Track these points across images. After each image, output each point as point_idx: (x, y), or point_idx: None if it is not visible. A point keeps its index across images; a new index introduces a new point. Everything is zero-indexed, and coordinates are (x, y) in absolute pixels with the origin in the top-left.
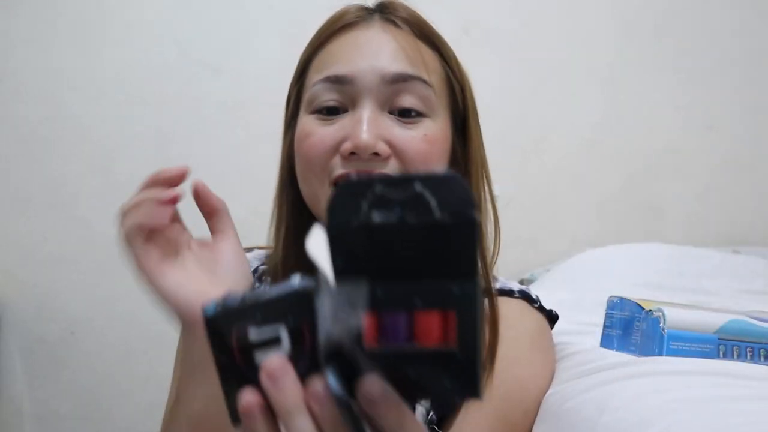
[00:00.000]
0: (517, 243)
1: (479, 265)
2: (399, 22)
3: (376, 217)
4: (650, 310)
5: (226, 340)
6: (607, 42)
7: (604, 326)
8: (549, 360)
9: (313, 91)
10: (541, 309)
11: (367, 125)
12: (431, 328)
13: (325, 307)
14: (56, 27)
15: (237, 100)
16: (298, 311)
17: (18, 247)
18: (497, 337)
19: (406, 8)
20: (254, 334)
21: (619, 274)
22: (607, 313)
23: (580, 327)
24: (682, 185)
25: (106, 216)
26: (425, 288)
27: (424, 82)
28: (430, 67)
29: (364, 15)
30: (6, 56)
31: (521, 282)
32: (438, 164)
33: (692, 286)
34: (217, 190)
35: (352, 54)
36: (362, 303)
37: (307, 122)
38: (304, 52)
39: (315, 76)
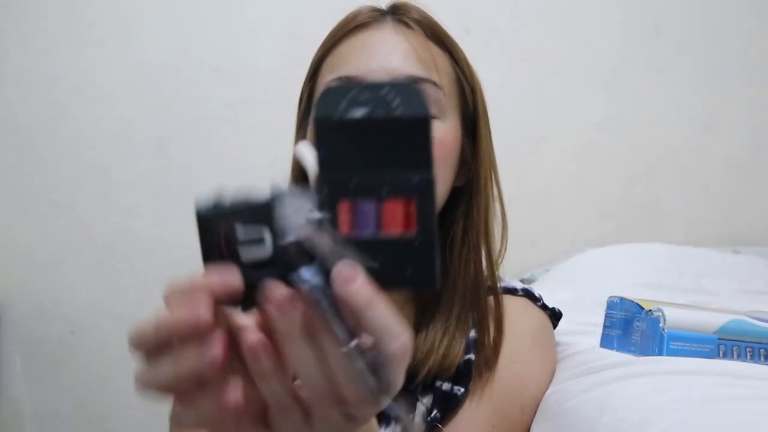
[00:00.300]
0: (517, 243)
1: (433, 159)
2: (411, 24)
3: (351, 113)
4: (650, 310)
5: (215, 236)
6: (608, 42)
7: (604, 326)
8: (550, 358)
9: None
10: (544, 307)
11: None
12: (396, 216)
13: (291, 207)
14: (56, 27)
15: (238, 101)
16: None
17: (18, 247)
18: (502, 336)
19: (419, 10)
20: (241, 232)
21: (619, 274)
22: (607, 313)
23: (580, 327)
24: (682, 185)
25: (105, 216)
26: (391, 179)
27: (435, 84)
28: (441, 69)
29: (377, 16)
30: (5, 56)
31: (522, 282)
32: (446, 166)
33: (692, 286)
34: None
35: (364, 55)
36: (336, 193)
37: None
38: (317, 52)
39: (327, 76)
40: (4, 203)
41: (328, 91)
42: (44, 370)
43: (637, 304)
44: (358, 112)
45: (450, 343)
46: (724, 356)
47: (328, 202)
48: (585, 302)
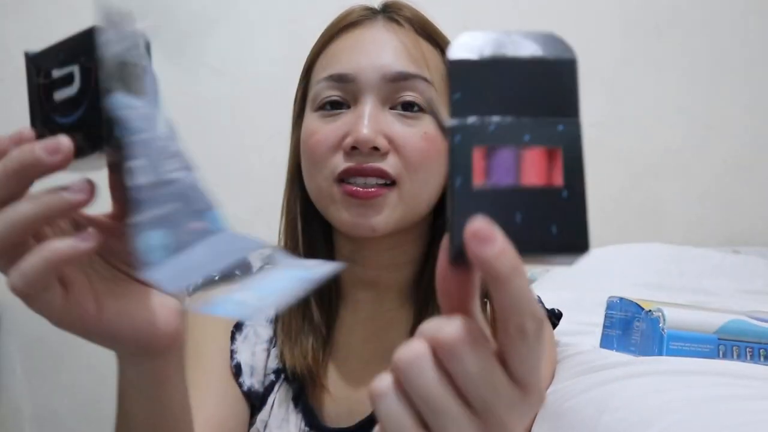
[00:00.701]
0: None
1: (580, 108)
2: (402, 21)
3: (491, 49)
4: (650, 311)
5: (37, 79)
6: (608, 42)
7: (604, 326)
8: (550, 358)
9: (317, 89)
10: (543, 308)
11: (368, 120)
12: (539, 166)
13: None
14: (56, 27)
15: (237, 100)
16: (89, 51)
17: None
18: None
19: (410, 7)
20: (56, 73)
21: (619, 274)
22: (606, 314)
23: (580, 327)
24: (682, 185)
25: None
26: (534, 125)
27: (426, 80)
28: (432, 65)
29: (368, 15)
30: (5, 56)
31: None
32: (436, 162)
33: (692, 286)
34: (218, 190)
35: (355, 53)
36: (471, 140)
37: (312, 120)
38: (311, 51)
39: (319, 75)
40: None
41: (465, 36)
42: (44, 370)
43: (637, 305)
44: (497, 49)
45: None
46: (724, 356)
47: (461, 150)
48: (585, 302)
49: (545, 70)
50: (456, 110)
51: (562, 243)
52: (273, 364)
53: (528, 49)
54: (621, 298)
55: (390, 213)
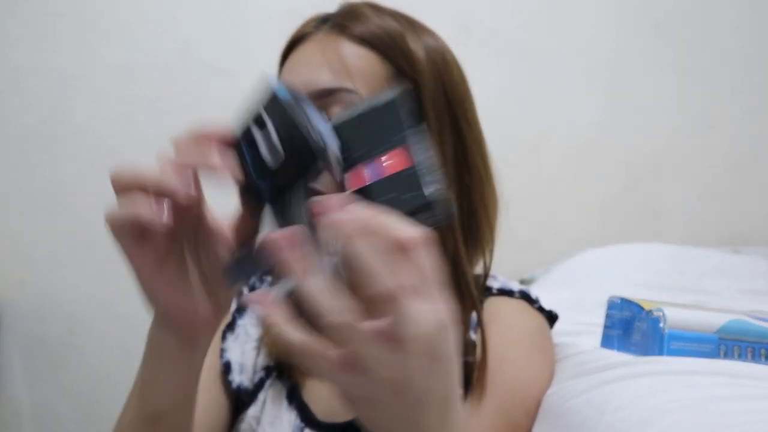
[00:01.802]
0: (517, 243)
1: (411, 122)
2: (341, 30)
3: (346, 113)
4: (650, 310)
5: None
6: (608, 42)
7: (605, 326)
8: (549, 359)
9: None
10: (541, 309)
11: None
12: (395, 160)
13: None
14: (56, 26)
15: (238, 100)
16: (271, 103)
17: (18, 247)
18: (486, 337)
19: (356, 11)
20: (255, 133)
21: (619, 274)
22: (607, 314)
23: (580, 327)
24: (682, 185)
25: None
26: (384, 142)
27: (348, 91)
28: (364, 72)
29: (313, 27)
30: (5, 56)
31: (521, 282)
32: None
33: (692, 287)
34: (218, 190)
35: (291, 72)
36: (348, 168)
37: None
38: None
39: None
40: (4, 203)
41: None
42: (44, 370)
43: (638, 304)
44: (347, 114)
45: None
46: (725, 356)
47: (342, 179)
48: (585, 302)
49: (382, 112)
50: (340, 159)
51: (411, 199)
52: (263, 361)
53: (367, 102)
54: (622, 298)
55: None
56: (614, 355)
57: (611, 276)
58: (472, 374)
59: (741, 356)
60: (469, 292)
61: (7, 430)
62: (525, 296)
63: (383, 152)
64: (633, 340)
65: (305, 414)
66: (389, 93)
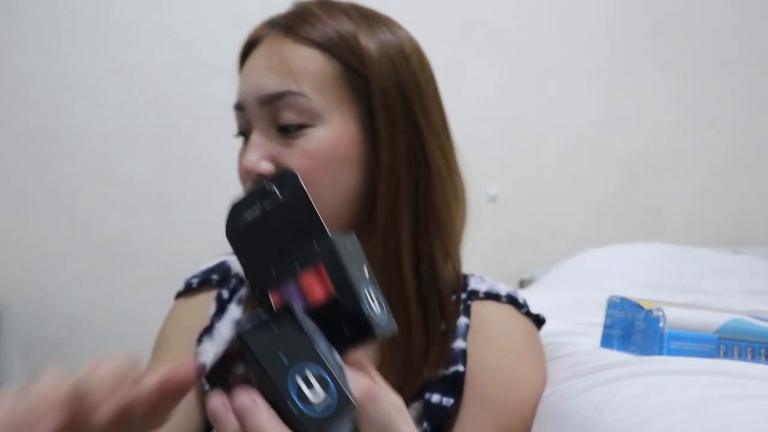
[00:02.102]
0: (517, 243)
1: (324, 224)
2: (286, 31)
3: (248, 216)
4: (650, 310)
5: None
6: (607, 42)
7: (605, 326)
8: (541, 366)
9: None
10: (528, 314)
11: (250, 149)
12: (314, 286)
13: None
14: (57, 27)
15: None
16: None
17: (18, 247)
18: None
19: (300, 10)
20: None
21: (619, 274)
22: (607, 313)
23: (580, 327)
24: (682, 185)
25: (106, 216)
26: (298, 254)
27: (296, 94)
28: (310, 73)
29: (263, 32)
30: (6, 56)
31: (521, 283)
32: (326, 175)
33: (692, 286)
34: (217, 189)
35: (243, 80)
36: (264, 289)
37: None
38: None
39: None
40: (4, 203)
41: (231, 206)
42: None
43: (638, 304)
44: (255, 212)
45: (410, 354)
46: (725, 356)
47: (261, 299)
48: (585, 302)
49: (286, 210)
50: (247, 271)
51: (354, 337)
52: None
53: (273, 197)
54: (622, 298)
55: None
56: (614, 355)
57: (611, 276)
58: (463, 383)
59: (741, 356)
60: (442, 302)
61: None
62: (512, 300)
63: (302, 266)
64: (633, 339)
65: None
66: (293, 181)
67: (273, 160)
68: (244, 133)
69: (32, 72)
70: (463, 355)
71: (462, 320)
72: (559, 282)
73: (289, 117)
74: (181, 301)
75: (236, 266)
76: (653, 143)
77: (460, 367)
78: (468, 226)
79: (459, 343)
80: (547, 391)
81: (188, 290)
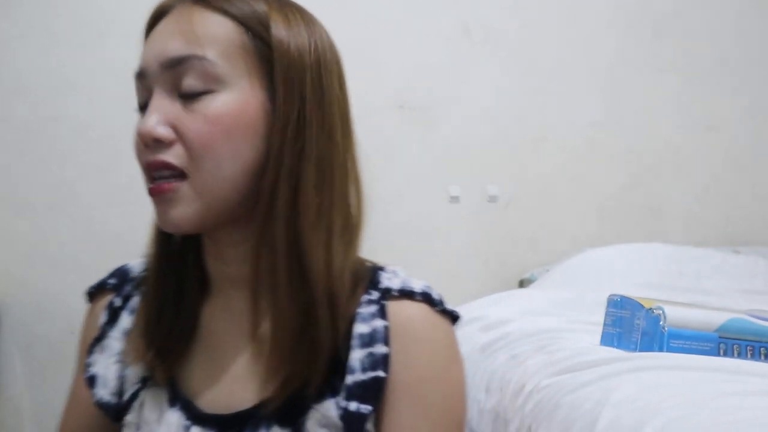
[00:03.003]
0: (517, 243)
1: None
2: None
3: None
4: (650, 309)
5: None
6: (607, 42)
7: (605, 324)
8: (462, 365)
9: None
10: (444, 312)
11: (149, 113)
12: None
13: None
14: (56, 27)
15: None
16: None
17: (18, 247)
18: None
19: None
20: None
21: (619, 274)
22: (607, 312)
23: (580, 326)
24: (682, 185)
25: (106, 216)
26: None
27: (200, 58)
28: (216, 39)
29: (174, 2)
30: (6, 56)
31: (521, 282)
32: (225, 144)
33: (692, 286)
34: None
35: (147, 47)
36: None
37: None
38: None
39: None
40: (4, 203)
41: None
42: (44, 370)
43: (638, 303)
44: None
45: (293, 355)
46: (725, 355)
47: None
48: (585, 301)
49: None
50: None
51: None
52: (138, 372)
53: None
54: (622, 297)
55: (186, 207)
56: (613, 352)
57: (611, 276)
58: (385, 389)
59: (740, 355)
60: (333, 298)
61: (7, 430)
62: (427, 298)
63: None
64: (633, 338)
65: (190, 410)
66: None
67: (171, 125)
68: (146, 104)
69: (33, 72)
70: (384, 361)
71: (379, 323)
72: (559, 282)
73: (191, 83)
74: (88, 307)
75: (137, 269)
76: (653, 143)
77: (381, 373)
78: (472, 226)
79: (380, 348)
80: (544, 383)
81: (90, 296)
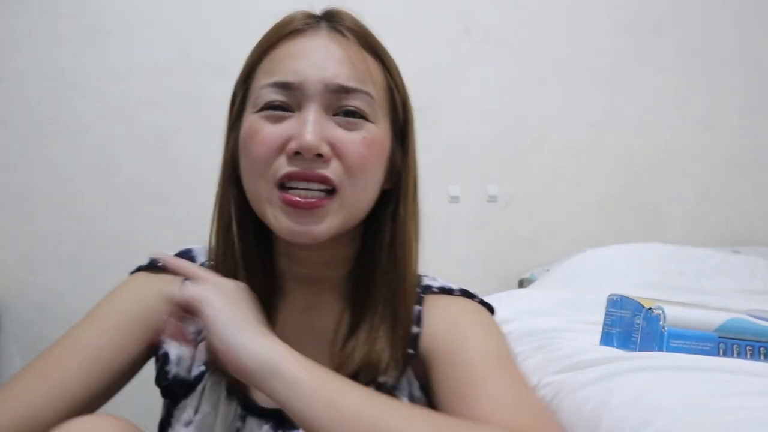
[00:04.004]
0: (517, 243)
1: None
2: (345, 32)
3: None
4: (650, 309)
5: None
6: (607, 42)
7: (604, 324)
8: (502, 334)
9: (260, 93)
10: (482, 302)
11: (312, 127)
12: None
13: None
14: (57, 27)
15: None
16: None
17: (19, 246)
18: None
19: (352, 18)
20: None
21: (619, 274)
22: (607, 312)
23: (580, 326)
24: (681, 185)
25: (106, 216)
26: None
27: (367, 94)
28: (374, 78)
29: (312, 23)
30: (7, 56)
31: (521, 282)
32: (374, 167)
33: (692, 286)
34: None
35: (300, 62)
36: None
37: (255, 121)
38: (251, 55)
39: (262, 80)
40: (5, 203)
41: None
42: None
43: (638, 302)
44: None
45: (374, 341)
46: (724, 354)
47: None
48: (585, 301)
49: None
50: None
51: None
52: (202, 355)
53: None
54: (621, 296)
55: (331, 221)
56: (613, 351)
57: (611, 276)
58: (408, 365)
59: (740, 355)
60: (398, 291)
61: None
62: (465, 293)
63: None
64: (632, 338)
65: (246, 401)
66: None
67: (329, 142)
68: (281, 107)
69: (33, 71)
70: (414, 339)
71: (415, 308)
72: (559, 282)
73: (355, 110)
74: (142, 275)
75: (201, 257)
76: (653, 143)
77: (410, 350)
78: (472, 226)
79: (415, 329)
80: (544, 382)
81: (152, 267)
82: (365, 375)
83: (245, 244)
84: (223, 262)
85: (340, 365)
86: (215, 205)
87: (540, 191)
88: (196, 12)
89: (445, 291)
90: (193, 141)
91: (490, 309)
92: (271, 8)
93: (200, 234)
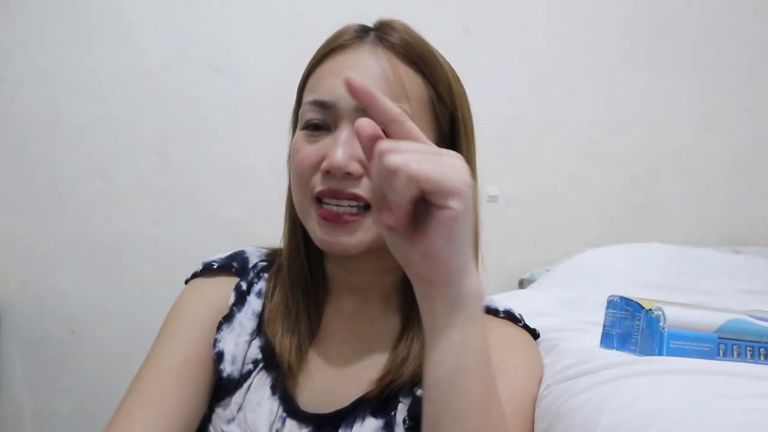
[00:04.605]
0: (517, 243)
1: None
2: (389, 45)
3: None
4: (650, 309)
5: None
6: (608, 42)
7: (604, 325)
8: (536, 365)
9: (303, 109)
10: (526, 327)
11: (342, 146)
12: None
13: None
14: (56, 28)
15: (237, 101)
16: None
17: (18, 247)
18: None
19: (404, 29)
20: None
21: (619, 274)
22: (607, 312)
23: (580, 326)
24: (682, 185)
25: (105, 216)
26: None
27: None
28: (411, 94)
29: (358, 36)
30: (5, 57)
31: (521, 282)
32: None
33: (692, 286)
34: (218, 189)
35: (337, 80)
36: None
37: (298, 138)
38: (306, 68)
39: (307, 97)
40: (4, 203)
41: None
42: (44, 370)
43: (637, 303)
44: None
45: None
46: (724, 355)
47: None
48: (585, 302)
49: None
50: None
51: None
52: (253, 354)
53: None
54: (621, 297)
55: (363, 235)
56: (613, 355)
57: (611, 276)
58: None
59: (740, 355)
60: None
61: (7, 430)
62: (509, 316)
63: None
64: (632, 339)
65: (288, 404)
66: None
67: (359, 160)
68: (318, 126)
69: (32, 72)
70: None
71: None
72: (559, 282)
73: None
74: (199, 281)
75: (254, 258)
76: (653, 143)
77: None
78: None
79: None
80: (544, 390)
81: (207, 270)
82: (409, 386)
83: (308, 246)
84: (288, 262)
85: (387, 372)
86: (286, 207)
87: (540, 191)
88: (196, 12)
89: (491, 312)
90: (193, 141)
91: (534, 334)
92: (271, 8)
93: (200, 234)
